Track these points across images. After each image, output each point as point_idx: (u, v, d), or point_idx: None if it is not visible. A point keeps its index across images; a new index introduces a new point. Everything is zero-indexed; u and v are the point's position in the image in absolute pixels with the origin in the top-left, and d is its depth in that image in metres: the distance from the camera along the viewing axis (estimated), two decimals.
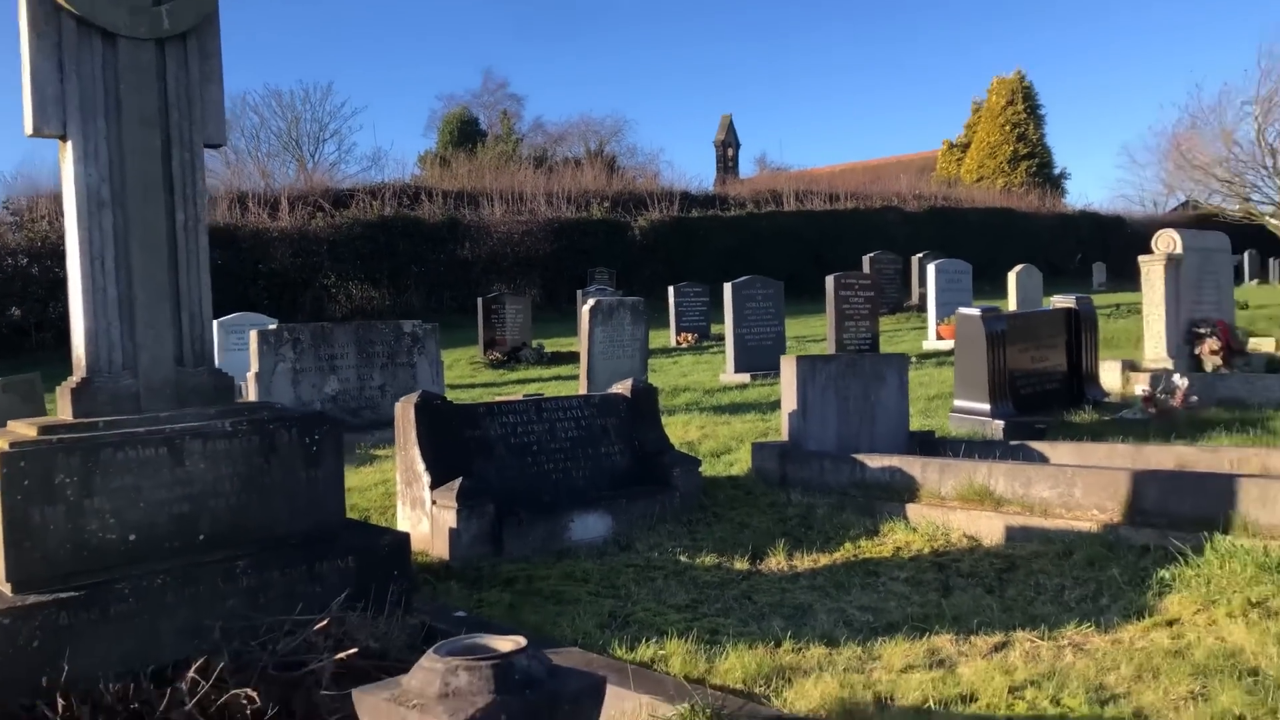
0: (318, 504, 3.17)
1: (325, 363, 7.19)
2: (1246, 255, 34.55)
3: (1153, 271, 7.44)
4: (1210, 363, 7.41)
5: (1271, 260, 33.41)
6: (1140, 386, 5.87)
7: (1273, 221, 43.97)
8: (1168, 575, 3.29)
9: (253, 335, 6.89)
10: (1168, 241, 7.54)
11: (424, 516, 4.07)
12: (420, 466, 4.08)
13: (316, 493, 3.16)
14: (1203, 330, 7.49)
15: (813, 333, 16.23)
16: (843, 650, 2.86)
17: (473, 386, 11.86)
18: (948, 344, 11.93)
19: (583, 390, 8.99)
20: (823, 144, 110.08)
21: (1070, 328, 6.56)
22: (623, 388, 4.88)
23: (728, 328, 10.14)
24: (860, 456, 4.65)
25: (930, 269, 12.27)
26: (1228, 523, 3.44)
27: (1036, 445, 5.07)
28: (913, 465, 4.43)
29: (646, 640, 2.92)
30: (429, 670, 1.94)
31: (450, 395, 10.53)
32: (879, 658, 2.80)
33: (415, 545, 4.10)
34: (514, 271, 25.39)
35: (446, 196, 26.79)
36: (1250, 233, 43.77)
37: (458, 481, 3.97)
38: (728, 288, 10.16)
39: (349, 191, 25.61)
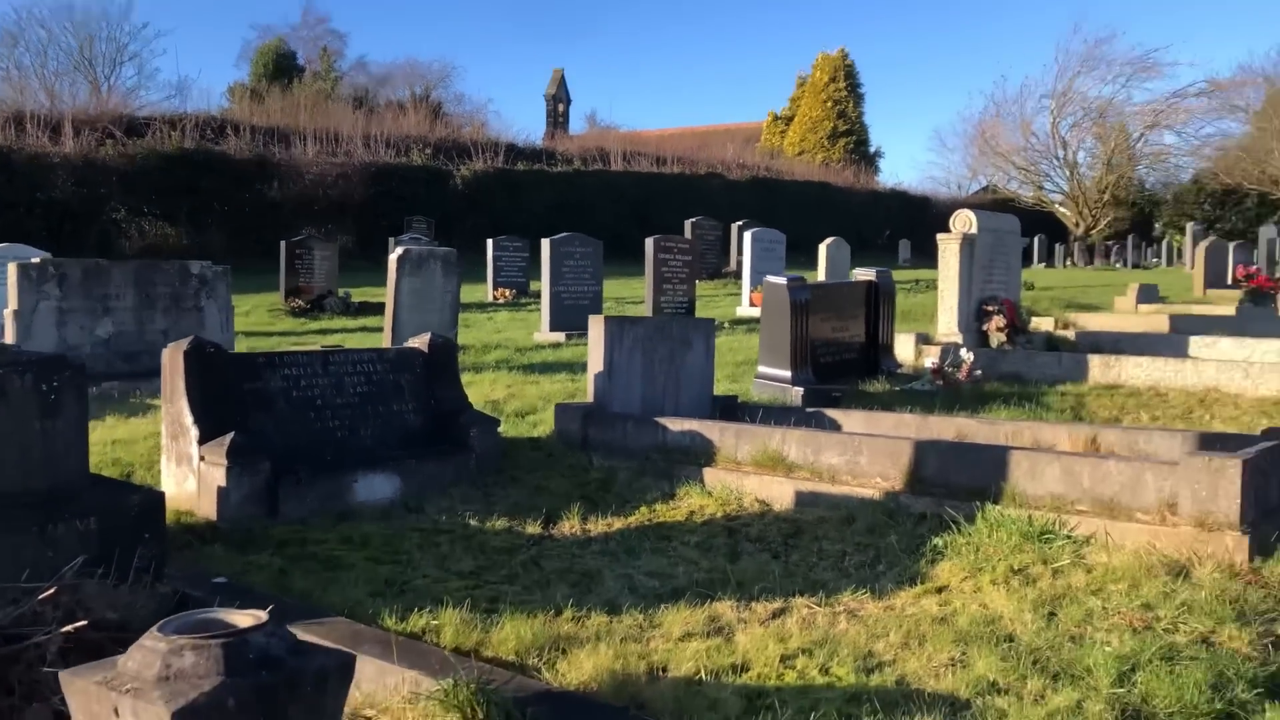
0: (55, 459, 2.84)
1: (98, 303, 6.59)
2: (1036, 239, 37.10)
3: (949, 249, 7.78)
4: (996, 339, 7.83)
5: (1058, 245, 35.97)
6: (930, 359, 6.13)
7: (1061, 209, 47.45)
8: (941, 543, 3.40)
9: (11, 268, 6.22)
10: (964, 221, 7.89)
11: (190, 474, 3.76)
12: (188, 419, 3.76)
13: (54, 447, 2.83)
14: (991, 308, 7.89)
15: (633, 294, 16.29)
16: (624, 618, 2.80)
17: (269, 335, 11.25)
18: (760, 311, 12.19)
19: (387, 344, 8.65)
20: (653, 107, 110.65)
21: (870, 300, 6.77)
22: (420, 342, 4.66)
23: (544, 285, 9.98)
24: (663, 420, 4.62)
25: (747, 237, 12.48)
26: (998, 493, 3.59)
27: (831, 413, 5.19)
28: (711, 430, 4.43)
29: (421, 610, 2.77)
30: (149, 650, 1.73)
31: (245, 343, 9.95)
32: (659, 625, 2.76)
33: (181, 505, 3.79)
34: (327, 216, 24.30)
35: (256, 133, 25.25)
36: (1041, 218, 47.06)
37: (229, 437, 3.68)
38: (546, 244, 9.99)
39: (146, 120, 23.72)
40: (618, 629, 2.72)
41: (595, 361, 5.01)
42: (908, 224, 43.78)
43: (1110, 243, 44.52)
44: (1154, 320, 9.50)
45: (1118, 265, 35.28)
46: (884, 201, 42.98)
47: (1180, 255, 35.89)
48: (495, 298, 15.16)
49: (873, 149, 59.29)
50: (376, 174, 25.36)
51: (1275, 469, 3.56)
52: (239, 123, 25.73)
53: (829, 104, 57.42)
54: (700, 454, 4.41)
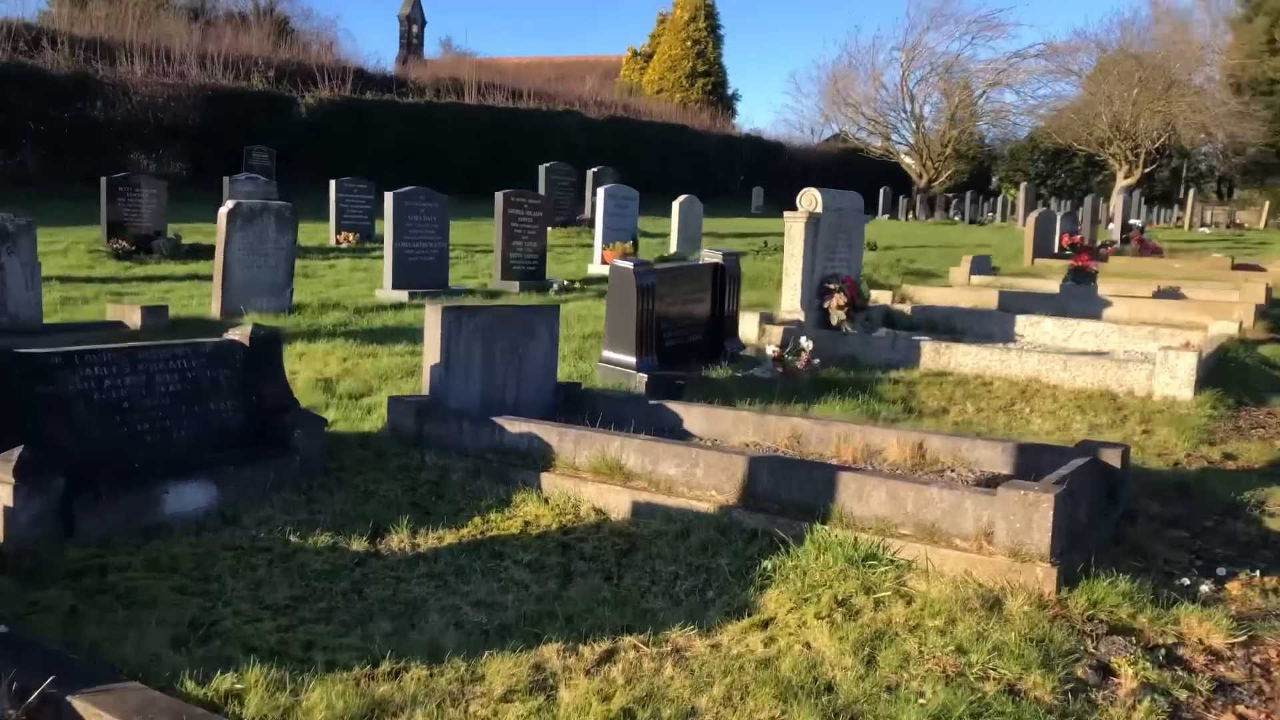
0: None
1: None
2: (881, 191, 38.26)
3: (794, 228, 7.85)
4: (836, 316, 7.99)
5: (902, 198, 37.16)
6: (771, 346, 6.19)
7: (906, 161, 48.96)
8: (770, 566, 3.43)
9: None
10: (810, 200, 7.96)
11: None
12: None
13: None
14: (833, 286, 8.03)
15: (484, 241, 15.89)
16: (445, 670, 2.70)
17: (90, 280, 10.47)
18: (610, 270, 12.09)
19: (216, 304, 8.18)
20: (512, 33, 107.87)
21: (716, 282, 6.77)
22: (240, 334, 4.37)
23: (387, 241, 9.59)
24: (500, 420, 4.49)
25: (599, 194, 12.32)
26: (827, 513, 3.65)
27: (674, 406, 5.17)
28: (550, 433, 4.34)
29: (224, 669, 2.60)
30: None
31: (58, 291, 9.23)
32: (482, 678, 2.68)
33: None
34: (157, 141, 22.77)
35: (76, 45, 23.30)
36: (887, 169, 48.52)
37: (17, 451, 3.35)
38: (389, 198, 9.57)
39: None
40: (438, 685, 2.62)
41: (431, 353, 4.83)
42: (762, 170, 44.43)
43: (950, 195, 46.38)
44: (984, 295, 9.90)
45: (955, 218, 36.77)
46: (739, 147, 43.36)
47: (1013, 210, 37.66)
48: (338, 241, 14.56)
49: (730, 91, 59.68)
50: (213, 98, 23.86)
51: (1085, 492, 3.74)
52: (57, 33, 23.65)
53: (689, 43, 57.30)
54: (538, 458, 4.32)
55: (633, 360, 5.92)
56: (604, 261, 12.25)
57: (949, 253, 17.34)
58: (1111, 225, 19.97)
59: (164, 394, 4.01)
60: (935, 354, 6.72)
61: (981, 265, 12.02)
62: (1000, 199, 43.12)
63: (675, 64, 57.40)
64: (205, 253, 12.20)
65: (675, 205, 13.61)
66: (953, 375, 6.53)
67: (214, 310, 8.13)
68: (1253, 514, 4.13)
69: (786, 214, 8.03)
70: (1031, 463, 4.27)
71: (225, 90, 24.33)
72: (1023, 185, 30.38)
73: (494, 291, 10.34)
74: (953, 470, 4.41)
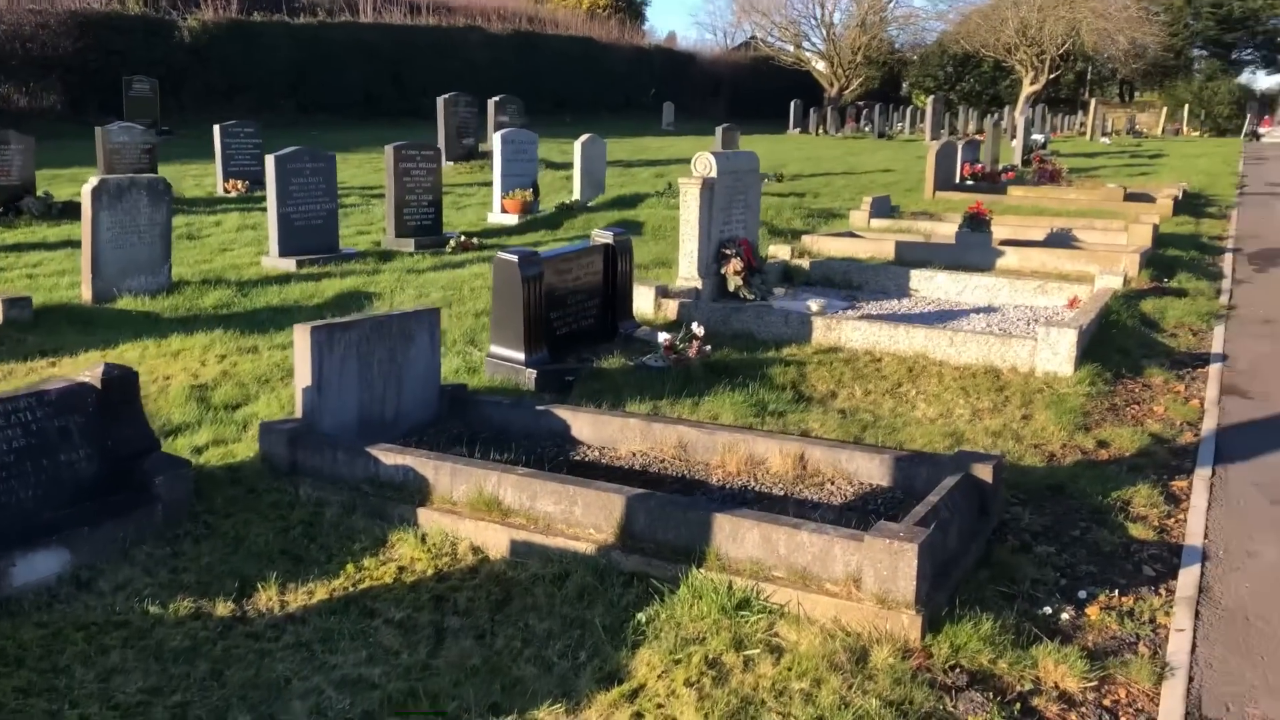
0: None
1: None
2: (792, 105, 38.04)
3: (689, 193, 7.71)
4: (733, 282, 7.94)
5: (813, 110, 37.00)
6: (663, 335, 6.11)
7: (819, 68, 48.59)
8: (644, 619, 3.42)
9: None
10: (704, 165, 7.82)
11: None
12: None
13: None
14: (729, 251, 7.96)
15: (382, 182, 15.36)
16: None
17: None
18: (512, 218, 11.86)
19: (86, 289, 7.78)
20: None
21: (608, 262, 6.64)
22: (91, 376, 4.13)
23: (270, 207, 9.19)
24: (375, 451, 4.37)
25: (495, 139, 11.94)
26: (703, 556, 3.64)
27: (560, 412, 5.09)
28: (425, 465, 4.24)
29: None
30: None
31: None
32: None
33: None
34: (27, 73, 21.37)
35: None
36: (800, 78, 48.18)
37: None
38: (270, 160, 9.13)
39: None
40: None
41: (302, 375, 4.64)
42: (673, 82, 43.73)
43: (862, 103, 46.38)
44: (882, 246, 9.94)
45: (866, 129, 36.79)
46: (649, 59, 42.55)
47: (923, 118, 37.83)
48: (226, 190, 13.95)
49: None
50: (86, 24, 22.43)
51: (955, 517, 3.79)
52: None
53: None
54: (414, 491, 4.22)
55: (521, 356, 5.80)
56: (504, 210, 11.98)
57: (855, 181, 17.38)
58: (1015, 142, 20.18)
59: (7, 451, 3.79)
60: (827, 329, 6.73)
61: (882, 207, 12.05)
62: (910, 107, 43.30)
63: None
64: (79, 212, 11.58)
65: (577, 145, 13.29)
66: (843, 352, 6.56)
67: (84, 295, 7.73)
68: (1118, 519, 4.25)
69: (681, 180, 7.89)
70: (908, 474, 4.32)
71: (97, 15, 22.85)
72: (930, 99, 30.49)
73: (387, 252, 10.04)
74: (832, 483, 4.44)
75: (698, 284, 7.80)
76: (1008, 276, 8.70)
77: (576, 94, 36.92)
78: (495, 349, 5.93)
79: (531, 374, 5.75)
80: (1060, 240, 10.36)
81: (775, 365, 6.26)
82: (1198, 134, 45.21)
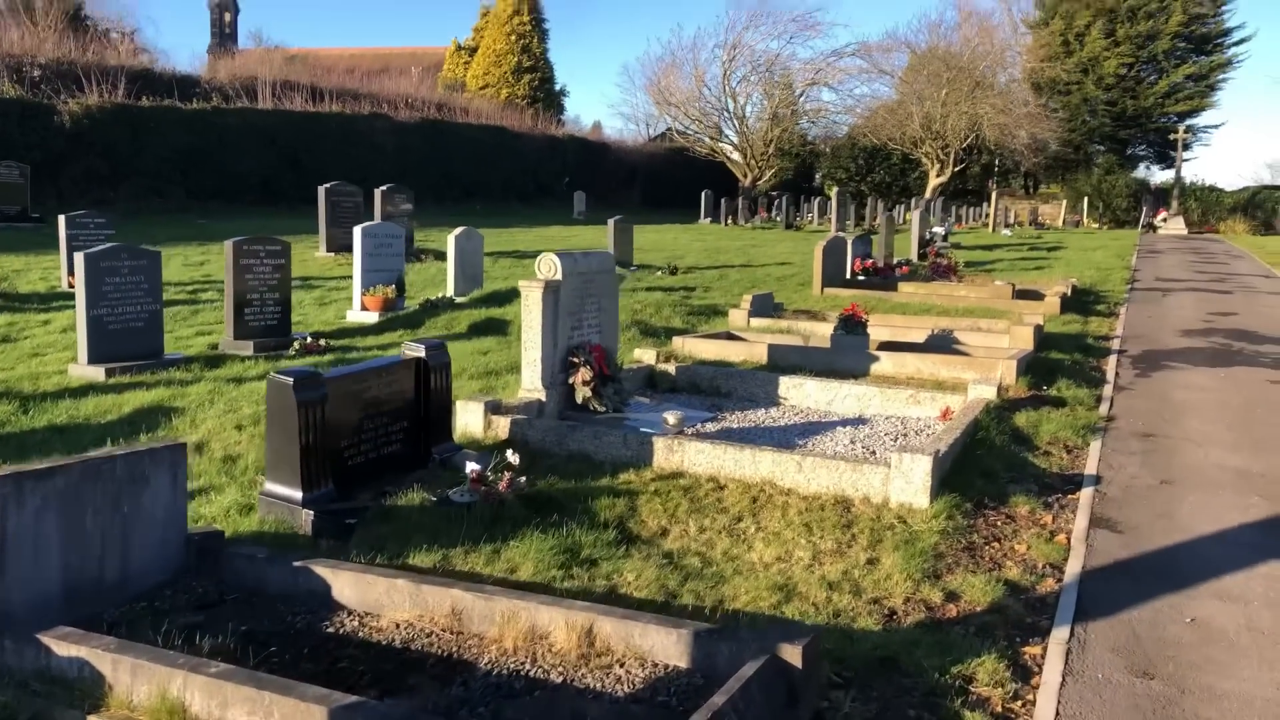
0: None
1: None
2: (703, 195, 38.20)
3: (530, 297, 7.07)
4: (582, 393, 7.27)
5: (724, 200, 37.13)
6: (471, 465, 5.38)
7: (735, 157, 49.15)
8: None
9: None
10: (549, 266, 7.19)
11: None
12: None
13: None
14: (578, 359, 7.31)
15: None
16: None
17: None
18: (372, 316, 11.13)
19: None
20: (333, 23, 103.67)
21: (420, 378, 5.90)
22: None
23: (80, 309, 8.30)
24: (47, 638, 3.51)
25: (356, 233, 11.22)
26: None
27: (321, 570, 4.29)
28: (102, 659, 3.39)
29: None
30: None
31: None
32: None
33: None
34: None
35: None
36: (715, 168, 48.71)
37: None
38: (80, 259, 8.29)
39: None
40: None
41: None
42: (588, 171, 43.80)
43: (775, 193, 46.96)
44: (755, 350, 9.39)
45: (777, 218, 36.98)
46: (563, 148, 42.57)
47: (864, 209, 38.25)
48: (70, 285, 12.92)
49: (559, 87, 58.77)
50: None
51: (752, 711, 3.08)
52: None
53: (513, 38, 56.08)
54: (90, 692, 3.37)
55: (298, 495, 4.99)
56: (364, 308, 11.21)
57: (751, 274, 17.03)
58: (911, 236, 20.12)
59: None
60: (669, 451, 6.05)
61: (763, 305, 11.57)
62: (819, 198, 43.84)
63: (500, 59, 56.02)
64: None
65: (450, 238, 12.64)
66: (685, 478, 5.88)
67: None
68: (955, 705, 3.57)
69: (522, 283, 7.24)
70: (709, 654, 3.61)
71: None
72: (835, 190, 30.76)
73: (220, 356, 9.17)
74: (623, 664, 3.69)
75: (541, 396, 7.11)
76: (881, 384, 8.18)
77: (487, 182, 36.60)
78: (270, 486, 5.12)
79: (308, 516, 4.95)
80: (941, 343, 9.94)
81: (604, 496, 5.54)
82: (1097, 225, 46.58)
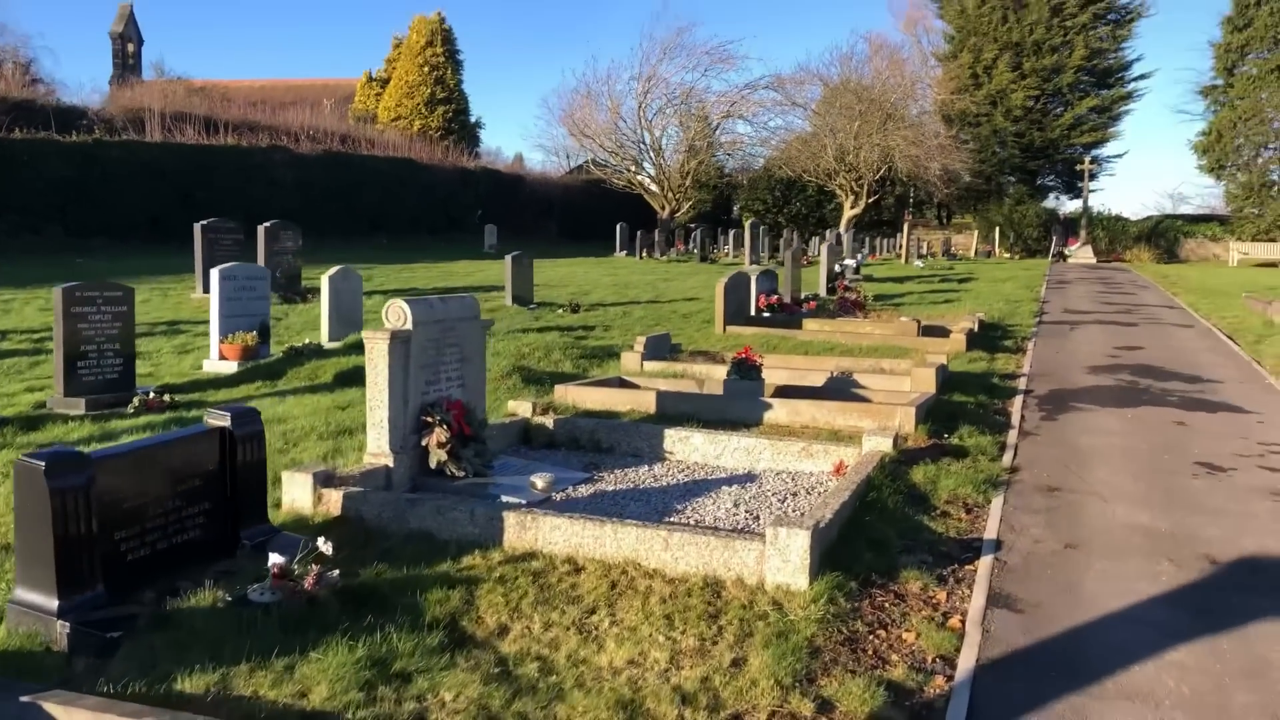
0: None
1: None
2: (618, 228, 37.72)
3: (375, 350, 6.30)
4: (436, 456, 6.51)
5: (639, 232, 36.66)
6: (276, 557, 4.59)
7: (653, 189, 48.80)
8: None
9: None
10: (397, 315, 6.45)
11: None
12: None
13: None
14: (433, 418, 6.55)
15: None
16: None
17: None
18: (231, 366, 10.20)
19: None
20: (245, 56, 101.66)
21: (226, 450, 5.08)
22: None
23: None
24: None
25: (214, 276, 10.31)
26: None
27: (52, 706, 3.45)
28: None
29: None
30: None
31: None
32: None
33: None
34: None
35: None
36: (632, 200, 48.34)
37: None
38: None
39: None
40: None
41: None
42: (502, 203, 43.06)
43: (693, 225, 46.77)
44: (643, 398, 8.72)
45: (694, 250, 36.61)
46: (475, 180, 41.77)
47: (780, 241, 38.06)
48: None
49: (474, 119, 57.99)
50: None
51: None
52: None
53: (426, 69, 55.28)
54: None
55: (53, 603, 4.14)
56: (223, 356, 10.28)
57: (657, 311, 16.44)
58: (820, 270, 19.77)
59: None
60: (521, 529, 5.32)
61: (658, 347, 10.93)
62: (734, 231, 43.68)
63: (412, 90, 55.09)
64: None
65: (324, 279, 11.78)
66: (539, 559, 5.15)
67: None
68: None
69: (365, 335, 6.47)
70: None
71: None
72: (748, 223, 30.50)
73: (42, 417, 8.19)
74: None
75: (389, 461, 6.33)
76: (772, 436, 7.57)
77: (395, 216, 35.60)
78: (21, 592, 4.25)
79: (63, 628, 4.09)
80: (841, 386, 9.40)
81: (439, 587, 4.78)
82: (1009, 255, 47.27)
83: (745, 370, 8.75)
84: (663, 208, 47.42)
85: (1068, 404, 9.61)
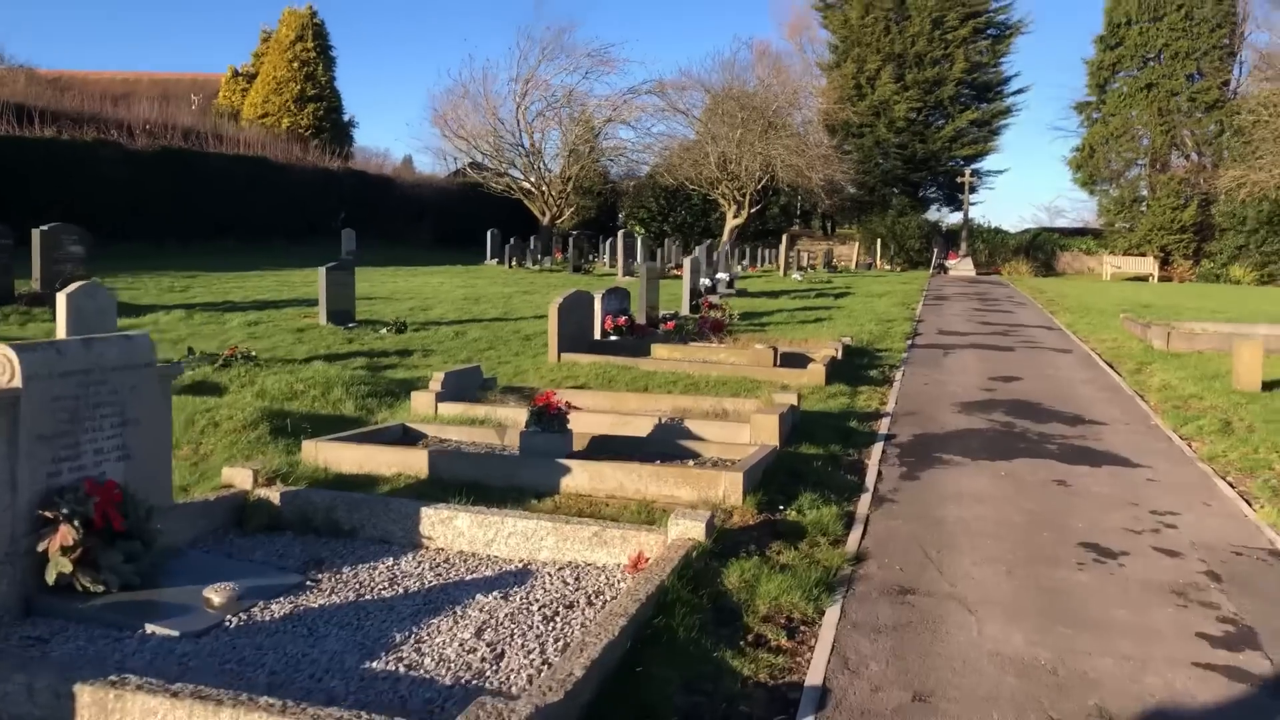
0: None
1: None
2: (489, 234, 35.75)
3: None
4: (59, 567, 4.61)
5: (511, 240, 34.78)
6: None
7: (533, 192, 46.82)
8: None
9: None
10: (2, 365, 4.53)
11: None
12: None
13: None
14: (55, 513, 4.64)
15: None
16: None
17: None
18: None
19: None
20: (107, 47, 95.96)
21: None
22: None
23: None
24: None
25: None
26: None
27: None
28: None
29: None
30: None
31: None
32: None
33: None
34: None
35: None
36: (512, 205, 46.34)
37: None
38: None
39: None
40: None
41: None
42: (370, 207, 40.60)
43: (576, 232, 45.11)
44: (412, 460, 6.93)
45: (566, 259, 34.87)
46: (337, 181, 39.18)
47: (659, 251, 36.55)
48: None
49: (347, 117, 55.14)
50: None
51: None
52: None
53: (296, 65, 52.30)
54: None
55: None
56: None
57: (498, 331, 14.63)
58: (684, 286, 18.29)
59: None
60: (102, 710, 3.49)
61: (463, 383, 9.14)
62: (610, 240, 42.15)
63: (281, 86, 51.95)
64: None
65: (61, 298, 9.63)
66: None
67: None
68: None
69: None
70: None
71: None
72: (620, 232, 28.94)
73: None
74: None
75: None
76: (560, 517, 5.88)
77: (245, 218, 32.90)
78: None
79: None
80: (668, 438, 7.78)
81: None
82: (889, 267, 46.93)
83: (547, 420, 7.05)
84: (543, 214, 45.56)
85: (933, 455, 8.19)
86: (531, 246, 35.91)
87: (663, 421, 8.05)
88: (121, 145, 28.70)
